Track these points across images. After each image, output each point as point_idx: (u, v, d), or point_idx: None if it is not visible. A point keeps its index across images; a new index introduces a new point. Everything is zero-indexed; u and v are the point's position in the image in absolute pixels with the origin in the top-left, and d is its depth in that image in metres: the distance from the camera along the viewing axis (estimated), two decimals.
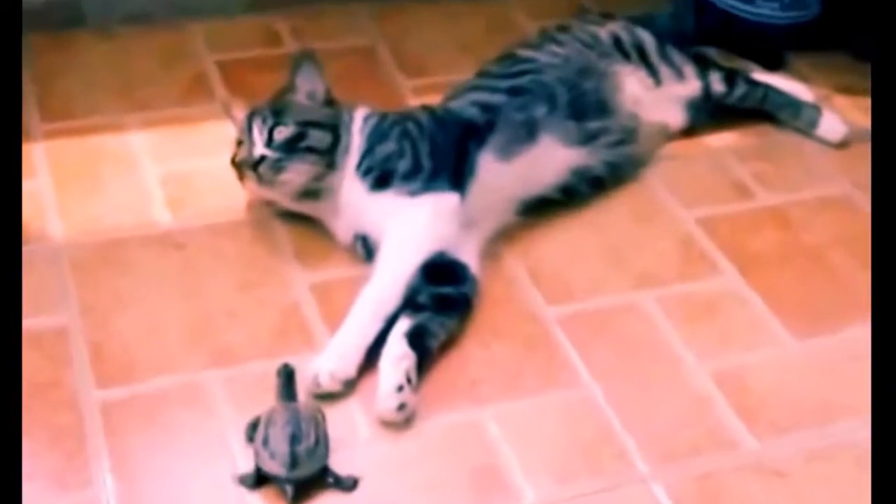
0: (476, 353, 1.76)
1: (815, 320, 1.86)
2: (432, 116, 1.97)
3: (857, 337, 1.82)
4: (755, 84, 2.25)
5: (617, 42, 2.16)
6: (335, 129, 1.89)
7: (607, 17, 2.27)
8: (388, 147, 1.89)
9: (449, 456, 1.61)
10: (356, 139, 1.90)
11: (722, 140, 2.23)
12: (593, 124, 2.02)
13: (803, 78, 2.38)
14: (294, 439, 1.51)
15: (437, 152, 1.89)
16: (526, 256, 1.93)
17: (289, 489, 1.51)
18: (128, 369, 1.68)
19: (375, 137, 1.90)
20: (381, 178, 1.86)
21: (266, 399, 1.62)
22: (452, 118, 1.97)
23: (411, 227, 1.82)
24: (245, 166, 1.87)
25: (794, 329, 1.84)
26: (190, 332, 1.75)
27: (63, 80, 2.22)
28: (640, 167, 2.12)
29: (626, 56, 2.15)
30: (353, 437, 1.62)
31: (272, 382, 1.63)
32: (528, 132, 1.96)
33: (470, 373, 1.73)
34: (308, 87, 1.92)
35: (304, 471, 1.51)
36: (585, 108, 2.02)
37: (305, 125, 1.87)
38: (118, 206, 1.97)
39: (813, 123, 2.24)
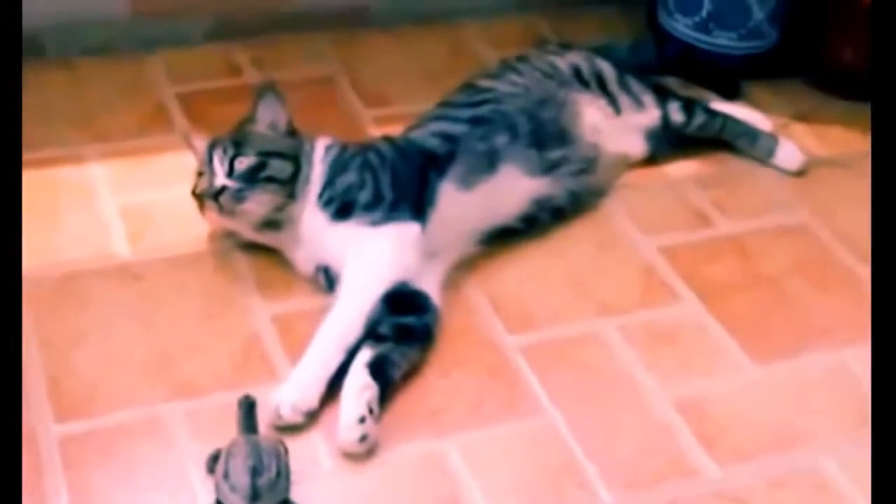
0: (437, 382, 1.75)
1: (775, 347, 1.87)
2: (393, 147, 1.97)
3: (817, 363, 1.84)
4: (713, 114, 2.27)
5: (576, 71, 2.18)
6: (296, 160, 1.89)
7: (566, 47, 2.28)
8: (349, 178, 1.89)
9: (412, 487, 1.60)
10: (317, 169, 1.90)
11: (682, 169, 2.24)
12: (554, 153, 2.03)
13: (761, 106, 2.40)
14: (255, 472, 1.50)
15: (398, 182, 1.89)
16: (487, 285, 1.93)
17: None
18: (86, 403, 1.67)
19: (336, 168, 1.91)
20: (341, 209, 1.86)
21: (228, 431, 1.61)
22: (413, 148, 1.97)
23: (373, 258, 1.82)
24: (206, 197, 1.86)
25: (754, 355, 1.85)
26: (150, 365, 1.74)
27: (21, 112, 2.21)
28: (601, 196, 2.13)
29: (585, 85, 2.16)
30: (315, 469, 1.61)
31: (234, 414, 1.62)
32: (489, 162, 1.96)
33: (431, 402, 1.72)
34: (269, 118, 1.92)
35: (266, 503, 1.50)
36: (546, 137, 2.03)
37: (266, 155, 1.87)
38: (76, 238, 1.96)
39: (770, 152, 2.26)
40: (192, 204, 1.92)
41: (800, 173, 2.25)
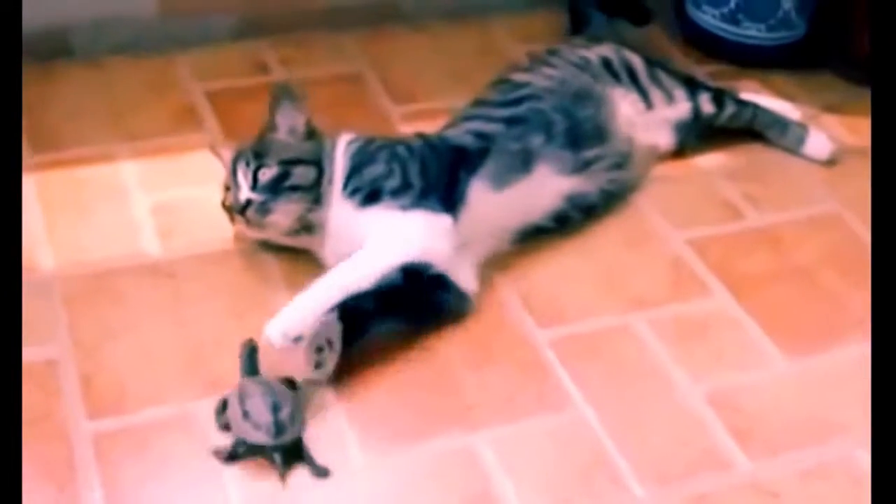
0: (469, 377, 1.75)
1: (807, 339, 1.86)
2: (423, 141, 1.96)
3: (850, 355, 1.83)
4: (744, 104, 2.26)
5: (606, 64, 2.16)
6: (318, 163, 1.88)
7: (596, 40, 2.27)
8: (376, 168, 1.88)
9: (443, 482, 1.60)
10: (339, 163, 1.90)
11: (711, 161, 2.23)
12: (589, 152, 2.02)
13: (790, 97, 2.38)
14: (276, 407, 1.57)
15: (428, 174, 1.88)
16: (517, 280, 1.93)
17: (278, 457, 1.55)
18: (119, 400, 1.68)
19: (361, 158, 1.90)
20: (369, 196, 1.85)
21: None
22: (444, 144, 1.97)
23: (400, 231, 1.82)
24: (233, 211, 1.86)
25: (786, 348, 1.84)
26: (181, 362, 1.74)
27: (51, 111, 2.22)
28: (632, 191, 2.12)
29: (616, 77, 2.15)
30: (346, 464, 1.61)
31: None
32: (524, 162, 1.95)
33: (463, 398, 1.72)
34: (288, 123, 1.90)
35: (289, 436, 1.56)
36: (582, 136, 2.02)
37: (289, 164, 1.85)
38: (108, 236, 1.97)
39: (800, 141, 2.25)
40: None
41: (830, 163, 2.24)
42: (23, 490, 1.50)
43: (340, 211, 1.86)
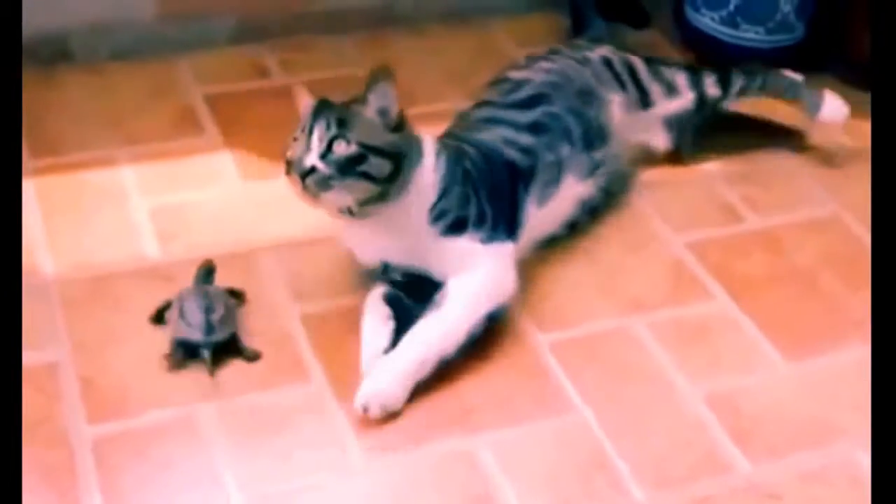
0: (469, 380, 1.75)
1: (807, 342, 1.86)
2: (481, 155, 1.89)
3: (850, 358, 1.83)
4: (752, 73, 2.24)
5: (608, 63, 2.15)
6: (398, 160, 1.75)
7: (596, 41, 2.27)
8: (458, 190, 1.81)
9: (443, 484, 1.60)
10: (428, 176, 1.79)
11: (710, 164, 2.24)
12: (598, 154, 2.03)
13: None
14: (208, 310, 1.74)
15: (495, 196, 1.85)
16: (518, 284, 1.92)
17: (206, 353, 1.72)
18: (119, 404, 1.68)
19: (448, 180, 1.80)
20: (454, 225, 1.80)
21: (261, 431, 1.63)
22: (498, 158, 1.92)
23: (482, 276, 1.79)
24: (293, 168, 1.73)
25: (786, 351, 1.84)
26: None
27: (51, 115, 2.22)
28: (629, 189, 2.12)
29: (617, 78, 2.14)
30: (346, 466, 1.61)
31: (266, 414, 1.64)
32: (557, 174, 1.96)
33: (463, 401, 1.72)
34: (380, 104, 1.76)
35: (219, 336, 1.73)
36: (593, 137, 2.03)
37: (368, 149, 1.72)
38: (108, 240, 1.97)
39: (816, 106, 2.22)
40: (222, 205, 1.92)
41: (829, 165, 2.24)
42: (23, 494, 1.50)
43: (421, 228, 1.79)
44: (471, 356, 1.78)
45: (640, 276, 1.97)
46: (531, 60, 2.16)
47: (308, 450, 1.63)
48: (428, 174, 1.79)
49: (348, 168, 1.71)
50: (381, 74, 1.76)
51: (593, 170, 2.01)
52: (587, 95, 2.07)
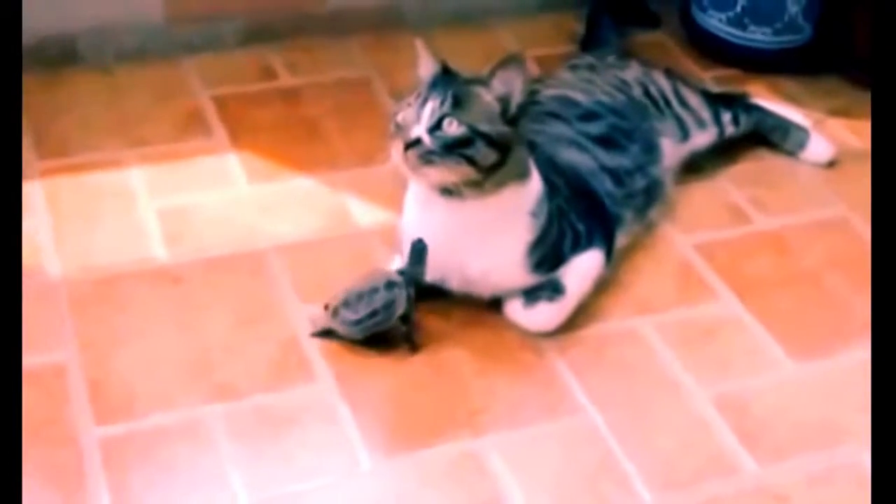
0: (475, 382, 1.75)
1: (814, 343, 1.86)
2: (569, 189, 1.88)
3: (857, 359, 1.83)
4: (749, 109, 2.26)
5: (646, 92, 2.14)
6: (505, 151, 1.72)
7: (624, 57, 2.26)
8: (553, 233, 1.81)
9: (450, 487, 1.60)
10: (528, 202, 1.78)
11: (718, 166, 2.23)
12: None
13: (796, 101, 2.39)
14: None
15: (588, 213, 1.88)
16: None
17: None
18: (127, 405, 1.68)
19: (546, 226, 1.80)
20: (550, 265, 1.82)
21: (266, 433, 1.63)
22: (584, 186, 1.92)
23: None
24: (398, 132, 1.71)
25: (793, 352, 1.84)
26: (189, 368, 1.75)
27: (59, 117, 2.23)
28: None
29: (654, 103, 2.14)
30: (354, 468, 1.61)
31: (273, 415, 1.64)
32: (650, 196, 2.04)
33: (469, 403, 1.72)
34: (503, 90, 1.72)
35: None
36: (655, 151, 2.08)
37: (479, 135, 1.69)
38: (115, 241, 1.97)
39: (801, 145, 2.25)
40: (229, 206, 1.92)
41: (836, 166, 2.24)
42: (31, 495, 1.51)
43: (513, 265, 1.80)
44: (476, 358, 1.78)
45: (648, 277, 1.97)
46: (573, 73, 2.16)
47: (315, 451, 1.63)
48: (528, 198, 1.78)
49: (453, 148, 1.69)
50: (512, 61, 1.73)
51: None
52: (640, 109, 2.10)
